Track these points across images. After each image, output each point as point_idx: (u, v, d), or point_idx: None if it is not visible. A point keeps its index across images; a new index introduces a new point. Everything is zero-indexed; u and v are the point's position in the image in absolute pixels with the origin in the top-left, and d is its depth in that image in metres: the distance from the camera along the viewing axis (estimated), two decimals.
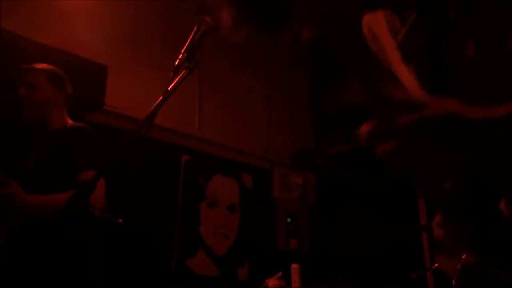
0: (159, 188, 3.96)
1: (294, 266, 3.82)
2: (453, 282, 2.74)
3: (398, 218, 5.19)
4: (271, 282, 3.61)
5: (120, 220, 1.72)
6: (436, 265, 2.98)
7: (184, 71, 1.58)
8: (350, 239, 5.08)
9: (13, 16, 3.27)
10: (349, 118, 4.82)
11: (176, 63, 1.59)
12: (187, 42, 1.63)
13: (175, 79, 1.57)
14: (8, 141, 2.27)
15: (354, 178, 5.28)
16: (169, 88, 1.56)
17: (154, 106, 1.53)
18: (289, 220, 4.84)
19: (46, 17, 3.51)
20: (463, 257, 1.04)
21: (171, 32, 4.14)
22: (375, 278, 4.97)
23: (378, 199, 5.34)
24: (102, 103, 3.47)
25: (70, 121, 2.40)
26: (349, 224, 5.12)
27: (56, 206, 1.96)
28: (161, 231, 3.88)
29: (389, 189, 5.34)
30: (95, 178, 1.52)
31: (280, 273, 3.69)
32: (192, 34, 1.64)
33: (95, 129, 2.33)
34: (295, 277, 3.82)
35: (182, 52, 1.60)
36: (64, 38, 3.43)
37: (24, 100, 2.31)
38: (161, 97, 1.54)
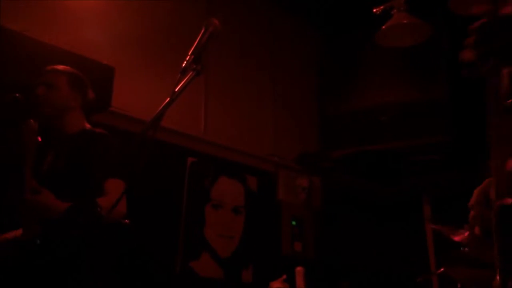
0: (164, 189, 3.96)
1: (299, 269, 3.81)
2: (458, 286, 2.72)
3: (403, 222, 5.17)
4: (276, 285, 3.60)
5: (126, 220, 1.72)
6: (442, 269, 2.96)
7: (191, 72, 1.58)
8: (354, 243, 5.06)
9: (20, 17, 3.28)
10: (356, 122, 4.83)
11: (183, 64, 1.59)
12: (195, 44, 1.63)
13: (182, 80, 1.57)
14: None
15: (359, 182, 5.26)
16: (176, 90, 1.56)
17: (161, 107, 1.53)
18: (294, 223, 4.83)
19: (53, 18, 3.52)
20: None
21: (178, 34, 4.14)
22: (380, 282, 4.95)
23: (384, 203, 5.32)
24: (109, 104, 3.48)
25: (88, 125, 2.39)
26: (354, 228, 5.10)
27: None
28: (165, 233, 3.88)
29: (395, 193, 5.33)
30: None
31: (284, 276, 3.68)
32: (200, 36, 1.65)
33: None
34: (299, 280, 3.81)
35: (189, 53, 1.60)
36: (71, 40, 3.43)
37: (41, 99, 2.31)
38: (168, 99, 1.54)
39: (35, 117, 2.29)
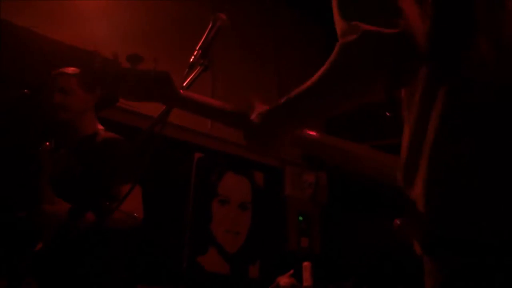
0: (171, 185, 3.97)
1: (306, 264, 3.81)
2: None
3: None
4: (283, 280, 3.60)
5: (136, 214, 1.73)
6: None
7: (198, 67, 1.58)
8: (361, 239, 5.05)
9: (29, 13, 3.29)
10: (360, 117, 4.81)
11: (191, 59, 1.58)
12: (202, 39, 1.62)
13: (190, 76, 1.57)
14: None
15: (364, 178, 5.25)
16: (183, 85, 1.55)
17: None
18: (300, 218, 4.83)
19: (61, 15, 3.53)
20: None
21: (186, 29, 4.14)
22: (386, 279, 4.95)
23: (389, 199, 5.31)
24: (116, 100, 3.48)
25: (100, 126, 2.42)
26: (360, 224, 5.10)
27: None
28: (172, 228, 3.89)
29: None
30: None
31: (292, 271, 3.68)
32: (207, 31, 1.64)
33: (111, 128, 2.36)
34: (306, 275, 3.81)
35: (197, 48, 1.59)
36: (79, 36, 3.45)
37: (58, 105, 2.34)
38: None
39: (43, 116, 2.32)
